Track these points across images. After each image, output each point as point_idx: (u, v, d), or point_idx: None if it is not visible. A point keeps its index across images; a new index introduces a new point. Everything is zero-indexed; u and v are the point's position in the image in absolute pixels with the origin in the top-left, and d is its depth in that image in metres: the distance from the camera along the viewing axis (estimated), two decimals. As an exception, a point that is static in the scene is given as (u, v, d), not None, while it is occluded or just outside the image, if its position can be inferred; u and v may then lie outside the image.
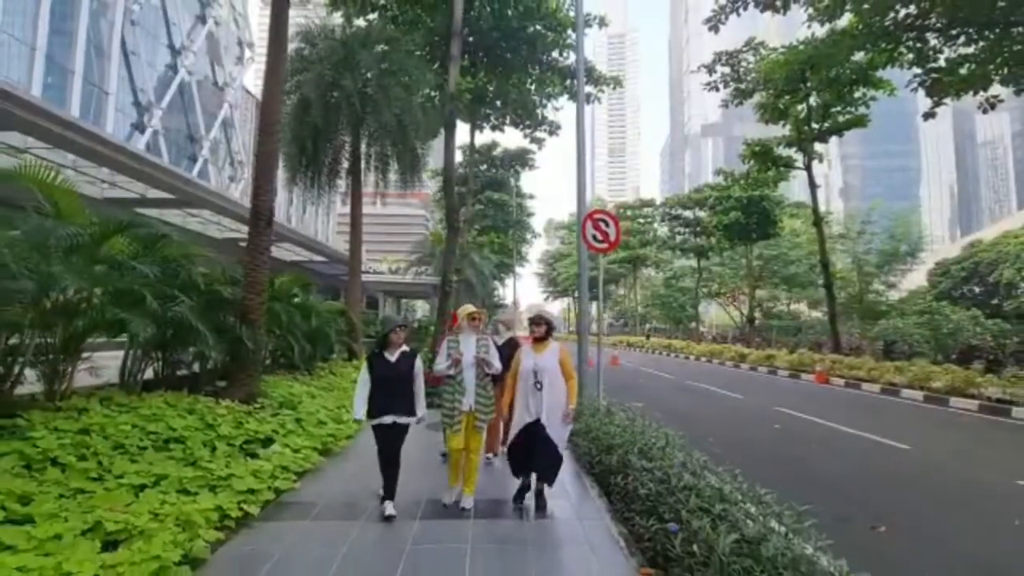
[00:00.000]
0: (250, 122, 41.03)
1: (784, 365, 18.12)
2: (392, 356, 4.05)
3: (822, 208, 21.18)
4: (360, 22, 14.41)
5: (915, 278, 37.07)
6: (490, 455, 5.37)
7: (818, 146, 20.64)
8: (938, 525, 4.48)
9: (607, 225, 7.36)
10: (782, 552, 2.51)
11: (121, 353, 6.00)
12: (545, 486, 4.16)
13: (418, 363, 4.14)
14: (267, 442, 5.25)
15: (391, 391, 3.99)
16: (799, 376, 16.81)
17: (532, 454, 4.02)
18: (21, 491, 3.21)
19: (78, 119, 11.63)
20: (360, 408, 4.07)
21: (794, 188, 40.25)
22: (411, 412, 4.06)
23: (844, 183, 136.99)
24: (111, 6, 23.94)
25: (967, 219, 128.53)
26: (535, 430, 3.98)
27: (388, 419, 3.99)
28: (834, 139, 21.61)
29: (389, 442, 4.09)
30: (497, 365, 4.28)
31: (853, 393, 13.43)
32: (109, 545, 3.00)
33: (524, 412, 4.05)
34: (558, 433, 4.01)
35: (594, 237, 7.38)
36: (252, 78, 46.85)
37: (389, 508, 3.94)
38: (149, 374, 6.24)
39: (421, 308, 50.72)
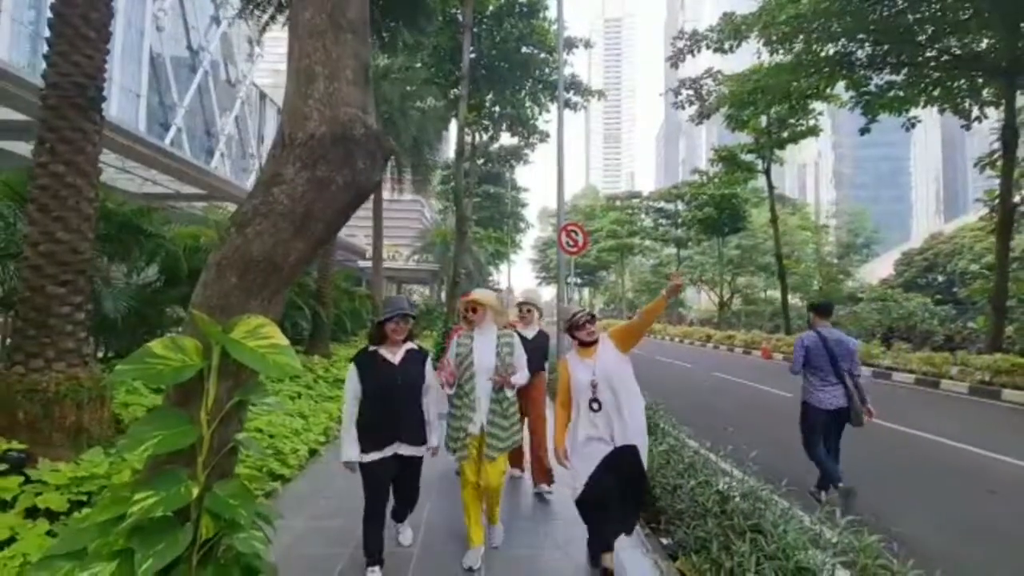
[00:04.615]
0: (258, 114, 43.14)
1: (740, 343, 21.07)
2: (394, 356, 2.79)
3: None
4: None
5: (885, 268, 40.12)
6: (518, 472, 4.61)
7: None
8: (766, 428, 7.34)
9: (577, 235, 10.09)
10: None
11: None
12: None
13: (430, 367, 2.93)
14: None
15: (393, 408, 2.72)
16: (751, 352, 19.75)
17: (617, 503, 2.73)
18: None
19: (151, 138, 14.14)
20: (351, 444, 2.67)
21: (774, 181, 43.19)
22: (422, 439, 2.83)
23: (835, 172, 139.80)
24: (141, 15, 26.12)
25: (953, 210, 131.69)
26: (619, 461, 2.70)
27: (391, 451, 2.72)
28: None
29: (388, 486, 2.79)
30: (523, 376, 3.09)
31: (785, 364, 16.28)
32: (301, 417, 5.78)
33: (597, 441, 2.73)
34: (644, 454, 2.81)
35: (568, 243, 10.10)
36: (260, 74, 48.54)
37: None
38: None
39: (418, 292, 53.47)
